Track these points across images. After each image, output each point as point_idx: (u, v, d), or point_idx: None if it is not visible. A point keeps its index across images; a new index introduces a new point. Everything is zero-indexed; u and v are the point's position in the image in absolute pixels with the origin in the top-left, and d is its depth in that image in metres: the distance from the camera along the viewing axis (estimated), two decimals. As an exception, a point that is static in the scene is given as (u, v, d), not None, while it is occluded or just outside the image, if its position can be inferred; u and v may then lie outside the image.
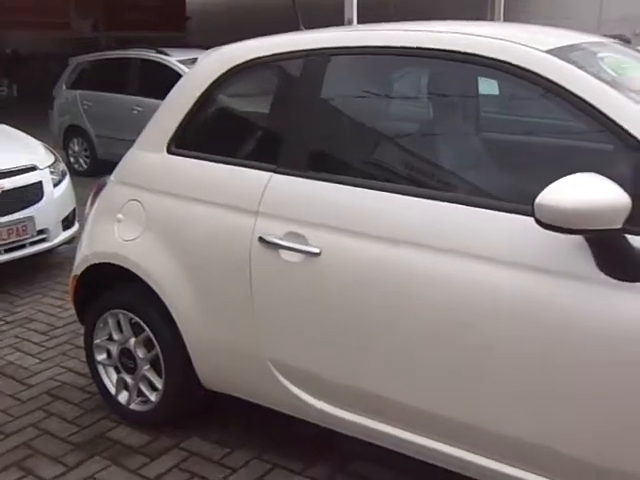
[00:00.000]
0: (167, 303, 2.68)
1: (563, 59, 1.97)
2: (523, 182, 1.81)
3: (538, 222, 1.73)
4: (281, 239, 2.32)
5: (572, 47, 2.12)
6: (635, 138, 1.80)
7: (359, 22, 9.05)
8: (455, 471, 2.21)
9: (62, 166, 5.30)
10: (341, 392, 2.32)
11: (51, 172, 5.01)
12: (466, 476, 2.20)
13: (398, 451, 2.32)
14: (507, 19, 13.29)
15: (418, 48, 2.17)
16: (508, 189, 2.05)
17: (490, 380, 1.99)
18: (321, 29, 2.65)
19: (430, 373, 2.09)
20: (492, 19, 13.01)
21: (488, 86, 2.27)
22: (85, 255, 2.98)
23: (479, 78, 2.35)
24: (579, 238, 1.77)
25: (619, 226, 1.70)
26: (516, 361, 1.94)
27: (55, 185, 5.00)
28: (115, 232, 2.82)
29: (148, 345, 2.85)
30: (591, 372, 1.83)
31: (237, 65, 2.59)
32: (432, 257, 2.03)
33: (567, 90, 1.90)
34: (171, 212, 2.66)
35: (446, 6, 11.19)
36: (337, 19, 8.92)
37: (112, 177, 2.98)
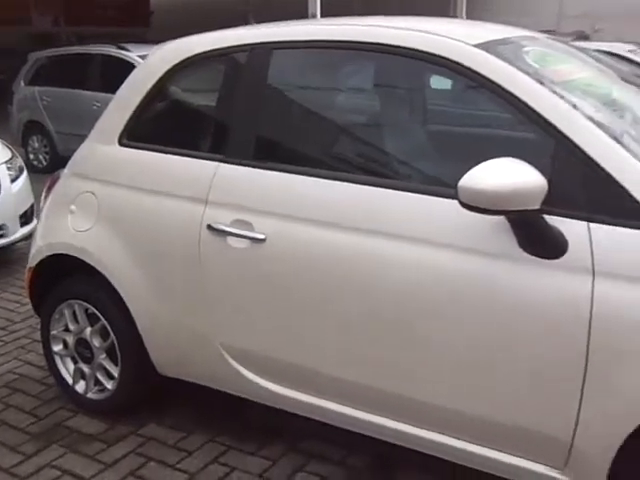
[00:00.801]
0: (121, 292, 2.74)
1: (489, 52, 2.08)
2: (453, 168, 1.92)
3: (462, 204, 1.85)
4: (228, 226, 2.41)
5: (500, 41, 2.24)
6: (551, 125, 1.92)
7: (323, 17, 9.13)
8: (398, 444, 2.33)
9: (19, 162, 5.31)
10: (289, 372, 2.42)
11: (8, 168, 5.02)
12: (406, 457, 2.32)
13: (346, 428, 2.43)
14: (469, 17, 13.49)
15: (355, 42, 2.28)
16: (439, 175, 2.16)
17: (422, 355, 2.11)
18: (267, 24, 2.74)
19: (370, 350, 2.20)
20: (455, 17, 13.20)
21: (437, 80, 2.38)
22: (40, 247, 3.03)
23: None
24: (502, 219, 1.89)
25: (537, 207, 1.82)
26: (445, 336, 2.05)
27: (12, 181, 5.01)
28: (69, 223, 2.88)
29: (104, 334, 2.91)
30: (517, 345, 1.96)
31: (185, 59, 2.67)
32: (370, 240, 2.13)
33: (492, 81, 2.01)
34: (123, 203, 2.72)
35: (410, 4, 11.34)
36: (304, 15, 9.01)
37: (65, 170, 3.04)
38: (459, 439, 2.15)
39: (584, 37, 11.77)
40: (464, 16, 13.62)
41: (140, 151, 2.72)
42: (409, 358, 2.14)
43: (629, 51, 6.98)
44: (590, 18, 16.76)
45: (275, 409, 2.60)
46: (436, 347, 2.08)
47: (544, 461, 2.02)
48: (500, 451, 2.10)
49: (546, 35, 2.74)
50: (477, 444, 2.13)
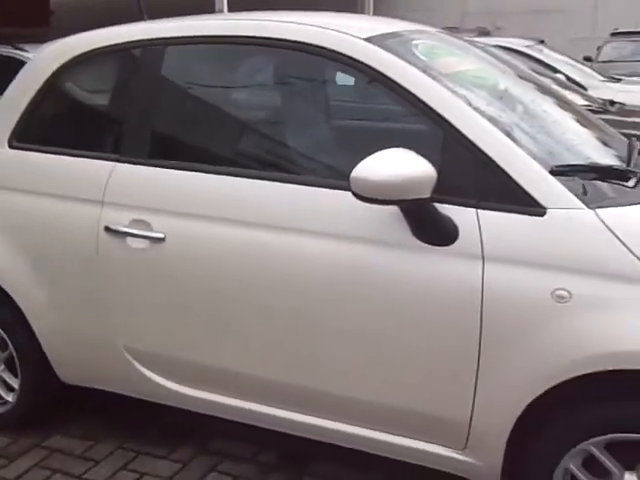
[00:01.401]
0: (17, 301, 2.64)
1: (378, 45, 2.12)
2: (346, 161, 1.93)
3: (355, 195, 1.87)
4: (127, 227, 2.35)
5: (390, 35, 2.28)
6: (439, 115, 1.97)
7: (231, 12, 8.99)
8: (306, 437, 2.34)
9: None
10: (195, 372, 2.39)
11: None
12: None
13: (256, 425, 2.42)
14: (376, 13, 13.69)
15: (245, 37, 2.28)
16: (333, 168, 2.18)
17: (324, 347, 2.13)
18: (160, 20, 2.69)
19: (273, 345, 2.20)
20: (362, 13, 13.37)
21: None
22: None
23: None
24: (395, 209, 1.92)
25: (428, 195, 1.87)
26: (345, 327, 2.08)
27: None
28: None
29: (1, 345, 2.79)
30: (414, 332, 2.00)
31: (76, 57, 2.59)
32: (267, 235, 2.13)
33: (381, 74, 2.05)
34: (15, 207, 2.61)
35: (316, 2, 11.40)
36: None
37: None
38: (364, 428, 2.18)
39: (485, 33, 12.19)
40: (371, 14, 13.81)
41: (32, 153, 2.62)
42: (310, 351, 2.15)
43: (526, 47, 7.28)
44: (492, 15, 17.37)
45: (185, 411, 2.56)
46: (337, 339, 2.10)
47: (446, 443, 2.08)
48: (404, 437, 2.14)
49: (439, 30, 2.81)
50: (381, 431, 2.16)
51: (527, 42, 7.59)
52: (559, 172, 1.91)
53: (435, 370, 2.00)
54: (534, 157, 1.93)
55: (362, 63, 2.08)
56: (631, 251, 1.78)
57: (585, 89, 6.41)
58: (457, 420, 2.01)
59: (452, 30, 9.56)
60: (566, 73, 6.78)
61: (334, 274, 2.06)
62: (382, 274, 2.00)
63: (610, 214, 1.84)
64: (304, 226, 2.09)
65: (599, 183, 1.99)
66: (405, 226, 1.95)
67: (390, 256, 1.99)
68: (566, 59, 7.84)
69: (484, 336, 1.91)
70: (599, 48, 14.62)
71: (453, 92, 2.02)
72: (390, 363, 2.06)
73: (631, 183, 2.05)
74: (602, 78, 7.71)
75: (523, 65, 5.59)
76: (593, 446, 1.88)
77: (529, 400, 1.88)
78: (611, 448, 1.87)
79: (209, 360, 2.34)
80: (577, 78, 6.86)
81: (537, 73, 5.83)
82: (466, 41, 2.83)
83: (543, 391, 1.86)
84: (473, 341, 1.92)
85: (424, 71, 2.07)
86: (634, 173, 2.09)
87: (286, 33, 2.22)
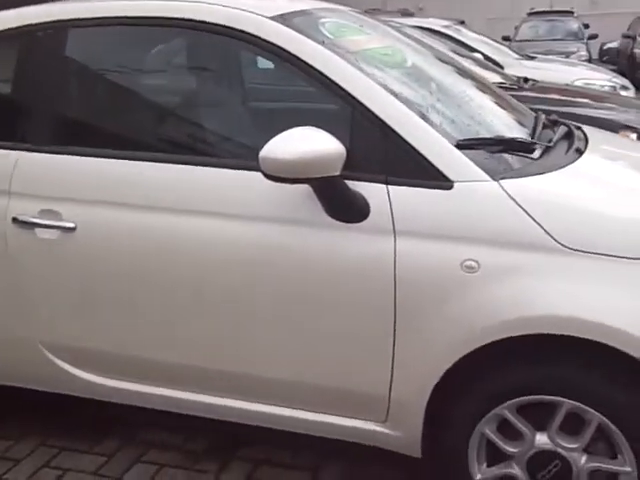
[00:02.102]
0: None
1: (284, 24, 2.10)
2: (259, 141, 1.92)
3: (265, 175, 1.86)
4: (35, 217, 2.28)
5: (297, 13, 2.27)
6: (347, 93, 1.97)
7: None
8: (234, 421, 2.34)
9: None
10: (113, 362, 2.34)
11: None
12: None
13: (178, 412, 2.40)
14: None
15: (150, 17, 2.22)
16: (245, 149, 2.16)
17: (247, 330, 2.12)
18: (64, 1, 2.60)
19: (191, 330, 2.18)
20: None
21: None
22: None
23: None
24: (306, 187, 1.92)
25: (338, 173, 1.87)
26: (266, 309, 2.07)
27: None
28: None
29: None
30: (331, 310, 2.01)
31: (-27, 42, 2.47)
32: (180, 219, 2.10)
33: (288, 52, 2.04)
34: None
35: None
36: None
37: None
38: (288, 408, 2.19)
39: (408, 14, 12.31)
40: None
41: None
42: (227, 334, 2.14)
43: (444, 27, 7.38)
44: (415, -3, 17.59)
45: (109, 403, 2.51)
46: (253, 321, 2.10)
47: (368, 417, 2.11)
48: (327, 414, 2.16)
49: (351, 9, 2.82)
50: (305, 410, 2.17)
51: (445, 22, 7.70)
52: (465, 145, 1.95)
53: (353, 346, 2.02)
54: (441, 132, 1.96)
55: (267, 42, 2.06)
56: (534, 220, 1.84)
57: (502, 67, 6.55)
58: (377, 394, 2.04)
59: (374, 11, 9.62)
60: (483, 52, 6.91)
61: (248, 256, 2.05)
62: (296, 253, 2.01)
63: (514, 185, 1.89)
64: (215, 209, 2.07)
65: (504, 155, 2.04)
66: (317, 204, 1.95)
67: (303, 235, 1.99)
68: (483, 39, 7.99)
69: (398, 310, 1.94)
70: (517, 28, 15.02)
71: (359, 69, 2.03)
72: (309, 342, 2.07)
73: (536, 155, 2.12)
74: (518, 56, 7.91)
75: (440, 45, 5.69)
76: (506, 410, 1.94)
77: (444, 369, 1.92)
78: (523, 411, 1.94)
79: (126, 349, 2.29)
80: (494, 57, 7.00)
81: (455, 53, 5.96)
82: (377, 20, 2.84)
83: (457, 359, 1.90)
84: (388, 315, 1.95)
85: (330, 49, 2.07)
86: (538, 145, 2.16)
87: (191, 13, 2.17)
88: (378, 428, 2.10)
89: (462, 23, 9.16)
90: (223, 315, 2.13)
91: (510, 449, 1.98)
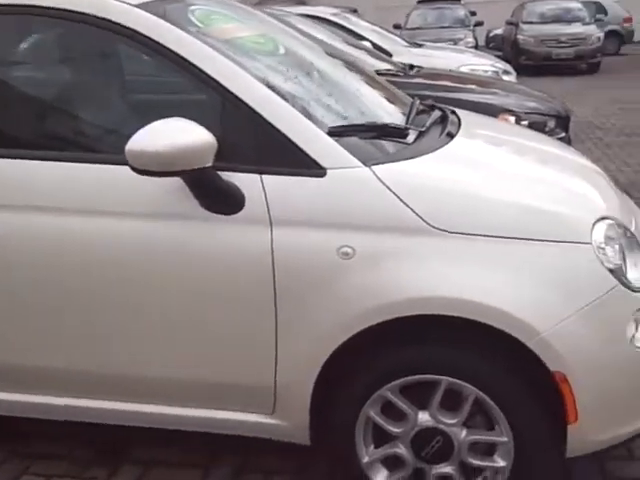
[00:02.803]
0: None
1: (150, 12, 2.03)
2: (127, 135, 1.85)
3: (133, 169, 1.80)
4: None
5: (166, 1, 2.20)
6: (217, 82, 1.93)
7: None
8: (122, 424, 2.27)
9: None
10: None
11: None
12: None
13: (63, 419, 2.31)
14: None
15: (12, 5, 2.09)
16: (115, 143, 2.06)
17: (123, 328, 2.06)
18: None
19: (72, 334, 2.09)
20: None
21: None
22: None
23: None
24: (178, 180, 1.87)
25: (210, 164, 1.84)
26: (144, 306, 2.02)
27: None
28: None
29: None
30: (212, 305, 1.98)
31: None
32: (49, 218, 2.01)
33: (153, 41, 1.97)
34: None
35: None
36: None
37: None
38: (175, 406, 2.14)
39: (301, 3, 12.32)
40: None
41: None
42: (106, 334, 2.07)
43: (333, 15, 7.42)
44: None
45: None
46: (132, 319, 2.04)
47: (255, 410, 2.09)
48: (215, 409, 2.13)
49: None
50: (193, 407, 2.14)
51: (334, 10, 7.74)
52: (336, 132, 1.96)
53: (235, 340, 2.00)
54: (312, 119, 1.96)
55: (133, 30, 1.99)
56: (406, 204, 1.87)
57: (390, 55, 6.67)
58: (263, 386, 2.03)
59: (266, 1, 9.54)
60: (372, 40, 7.01)
61: (121, 253, 1.98)
62: (175, 248, 1.96)
63: (385, 170, 1.91)
64: (86, 206, 1.99)
65: (377, 141, 2.07)
66: (191, 198, 1.91)
67: (179, 229, 1.95)
68: (373, 27, 8.10)
69: (279, 300, 1.93)
70: (408, 16, 15.32)
71: (229, 58, 1.99)
72: (191, 338, 2.03)
73: (409, 139, 2.15)
74: (406, 44, 8.07)
75: (328, 34, 5.72)
76: (389, 392, 1.97)
77: (327, 356, 1.93)
78: (405, 391, 1.98)
79: (5, 356, 2.18)
80: (383, 45, 7.11)
81: (344, 41, 6.02)
82: (253, 8, 2.81)
83: (338, 346, 1.92)
84: (268, 307, 1.93)
85: (199, 37, 2.02)
86: (411, 130, 2.19)
87: (52, 1, 2.06)
88: (266, 420, 2.10)
89: (355, 12, 9.25)
90: (102, 316, 2.06)
91: (395, 429, 2.02)
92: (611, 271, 1.88)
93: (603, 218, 1.98)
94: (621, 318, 1.89)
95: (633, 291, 1.90)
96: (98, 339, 2.10)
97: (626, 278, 1.91)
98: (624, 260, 1.93)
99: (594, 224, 1.94)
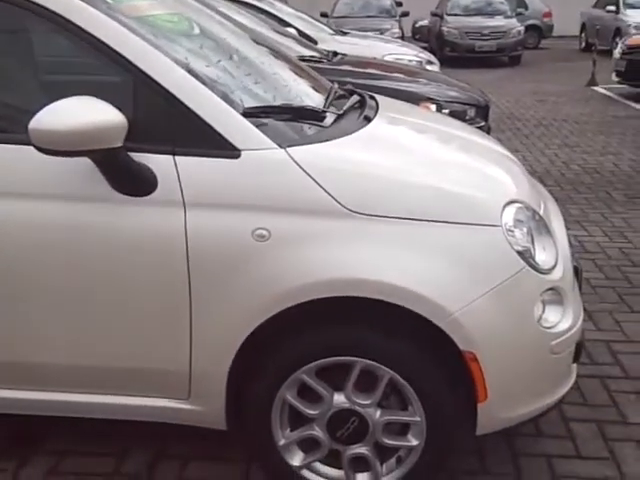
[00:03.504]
0: None
1: None
2: (32, 115, 1.77)
3: (37, 148, 1.73)
4: None
5: (75, -25, 2.11)
6: (127, 61, 1.87)
7: None
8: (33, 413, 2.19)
9: None
10: None
11: None
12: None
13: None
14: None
15: None
16: (20, 122, 1.97)
17: (34, 314, 1.98)
18: None
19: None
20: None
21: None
22: None
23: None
24: (87, 161, 1.81)
25: (120, 144, 1.78)
26: (54, 291, 1.95)
27: None
28: None
29: None
30: (125, 289, 1.93)
31: None
32: None
33: (63, 18, 1.88)
34: None
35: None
36: None
37: None
38: (87, 393, 2.09)
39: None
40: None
41: None
42: (17, 320, 1.99)
43: (258, 0, 7.35)
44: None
45: None
46: (43, 305, 1.97)
47: (171, 395, 2.06)
48: (129, 396, 2.08)
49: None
50: (105, 394, 2.08)
51: (260, -6, 7.66)
52: (252, 114, 1.94)
53: (149, 325, 1.96)
54: (227, 100, 1.92)
55: (40, 5, 1.90)
56: (320, 186, 1.87)
57: (315, 42, 6.66)
58: (177, 371, 2.00)
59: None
60: (297, 27, 6.98)
61: (26, 238, 1.91)
62: (85, 231, 1.90)
63: (300, 152, 1.90)
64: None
65: (293, 124, 2.06)
66: (101, 179, 1.85)
67: (88, 211, 1.89)
68: (299, 14, 8.07)
69: (193, 283, 1.90)
70: (335, 4, 15.35)
71: (140, 36, 1.93)
72: (104, 324, 1.97)
73: (327, 123, 2.15)
74: (331, 32, 8.08)
75: (251, 19, 5.66)
76: (305, 374, 1.97)
77: (242, 339, 1.92)
78: (320, 373, 1.98)
79: None
80: (308, 32, 7.09)
81: (269, 27, 5.97)
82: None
83: (253, 329, 1.90)
84: (183, 289, 1.90)
85: (108, 14, 1.95)
86: (328, 113, 2.19)
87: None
88: (182, 405, 2.06)
89: (284, -2, 9.19)
90: (5, 302, 1.98)
91: (310, 412, 2.03)
92: (520, 253, 1.93)
93: (513, 202, 2.03)
94: (529, 299, 1.95)
95: (541, 273, 1.96)
96: (6, 324, 2.01)
97: (534, 260, 1.96)
98: (532, 243, 1.99)
99: (504, 207, 1.98)
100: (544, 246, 2.03)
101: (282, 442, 2.06)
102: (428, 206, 1.90)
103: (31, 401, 2.11)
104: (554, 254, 2.03)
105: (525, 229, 2.00)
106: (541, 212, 2.16)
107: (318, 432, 2.04)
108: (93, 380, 2.07)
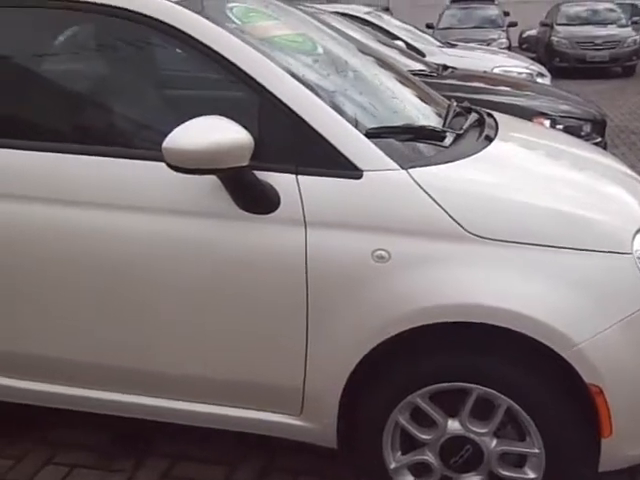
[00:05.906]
0: None
1: (190, 9, 2.03)
2: (163, 132, 1.84)
3: (169, 166, 1.79)
4: None
5: (205, -3, 2.20)
6: (255, 81, 1.92)
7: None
8: (147, 418, 2.27)
9: None
10: (14, 361, 2.24)
11: None
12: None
13: (89, 411, 2.32)
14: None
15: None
16: (151, 139, 2.06)
17: (155, 327, 2.06)
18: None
19: (96, 328, 2.10)
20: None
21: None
22: None
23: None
24: (214, 179, 1.86)
25: (246, 163, 1.82)
26: (174, 304, 2.02)
27: None
28: None
29: None
30: (245, 305, 1.97)
31: None
32: (80, 212, 2.01)
33: (194, 39, 1.96)
34: None
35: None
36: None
37: None
38: (201, 403, 2.14)
39: (333, 0, 12.31)
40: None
41: None
42: (135, 331, 2.07)
43: (366, 13, 7.39)
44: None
45: (19, 405, 2.39)
46: (161, 317, 2.04)
47: (283, 411, 2.08)
48: (241, 409, 2.12)
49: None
50: (218, 405, 2.13)
51: (367, 9, 7.71)
52: (374, 134, 1.94)
53: (266, 340, 1.99)
54: (350, 120, 1.94)
55: (172, 27, 1.98)
56: (442, 208, 1.84)
57: (423, 55, 6.62)
58: (291, 387, 2.02)
59: (296, -3, 9.55)
60: (405, 40, 6.96)
61: (153, 251, 1.98)
62: (205, 247, 1.95)
63: (422, 173, 1.89)
64: (118, 201, 1.99)
65: (415, 144, 2.04)
66: (226, 196, 1.90)
67: (213, 228, 1.94)
68: (406, 26, 8.05)
69: (311, 302, 1.91)
70: (440, 15, 15.22)
71: (267, 56, 1.98)
72: (221, 338, 2.02)
73: (446, 142, 2.12)
74: (439, 44, 8.00)
75: (361, 32, 5.69)
76: (419, 398, 1.95)
77: (357, 359, 1.92)
78: (435, 398, 1.95)
79: (29, 348, 2.19)
80: (416, 44, 7.06)
81: (377, 41, 5.98)
82: (291, 6, 2.79)
83: (370, 350, 1.90)
84: (300, 307, 1.92)
85: (237, 35, 2.01)
86: (448, 133, 2.16)
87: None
88: (293, 421, 2.08)
89: (387, 10, 9.20)
90: (134, 312, 2.06)
91: (423, 436, 2.00)
92: (651, 283, 1.83)
93: None
94: (660, 332, 1.85)
95: (672, 304, 1.85)
96: (127, 335, 2.10)
97: (666, 291, 1.86)
98: (664, 272, 1.89)
99: (635, 234, 1.89)
100: None
101: (393, 465, 2.04)
102: (555, 231, 1.84)
103: (156, 408, 2.18)
104: None
105: (657, 258, 1.89)
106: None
107: (430, 457, 2.01)
108: (213, 392, 2.12)
